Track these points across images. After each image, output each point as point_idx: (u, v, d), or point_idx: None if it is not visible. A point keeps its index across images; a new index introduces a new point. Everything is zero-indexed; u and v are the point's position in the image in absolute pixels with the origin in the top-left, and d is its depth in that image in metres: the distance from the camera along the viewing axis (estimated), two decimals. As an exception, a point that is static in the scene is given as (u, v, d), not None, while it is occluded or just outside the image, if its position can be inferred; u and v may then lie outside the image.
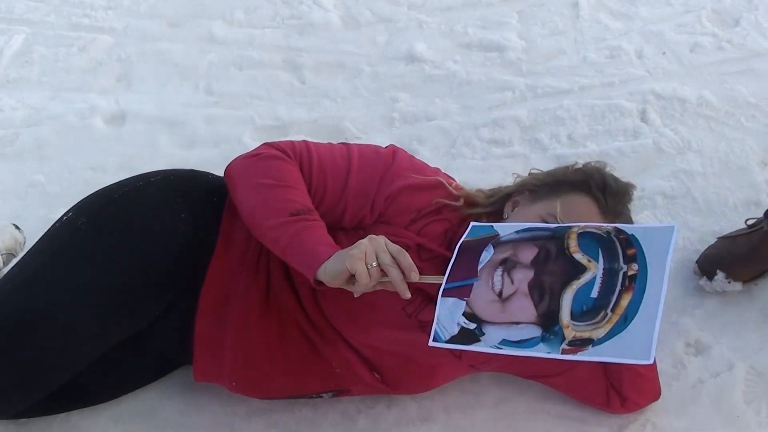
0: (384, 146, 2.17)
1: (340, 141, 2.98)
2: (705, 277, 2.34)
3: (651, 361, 1.53)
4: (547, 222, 1.91)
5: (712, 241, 2.47)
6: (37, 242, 2.06)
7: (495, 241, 1.79)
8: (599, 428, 2.12)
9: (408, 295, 1.74)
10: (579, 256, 1.69)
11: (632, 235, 1.69)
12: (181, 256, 2.02)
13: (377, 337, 2.00)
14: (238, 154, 2.90)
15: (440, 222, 2.04)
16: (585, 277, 1.66)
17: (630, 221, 2.07)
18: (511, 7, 3.70)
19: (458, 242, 1.83)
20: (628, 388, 2.07)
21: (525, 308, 1.68)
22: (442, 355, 1.96)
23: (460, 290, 1.75)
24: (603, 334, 1.58)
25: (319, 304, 2.01)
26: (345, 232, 2.04)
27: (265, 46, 3.52)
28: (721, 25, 3.52)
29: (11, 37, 3.59)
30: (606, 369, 2.08)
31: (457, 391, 2.20)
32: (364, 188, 2.03)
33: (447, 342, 1.71)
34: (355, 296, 1.80)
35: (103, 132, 3.12)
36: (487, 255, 1.77)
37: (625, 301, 1.60)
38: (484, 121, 3.08)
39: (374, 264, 1.73)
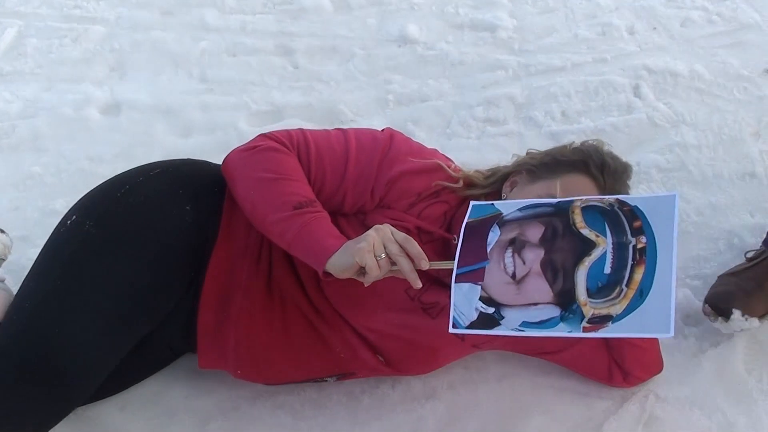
0: (381, 129, 2.16)
1: (336, 124, 3.00)
2: (720, 318, 2.20)
3: (671, 334, 1.55)
4: None
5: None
6: (45, 251, 2.01)
7: (500, 220, 1.78)
8: (602, 401, 2.13)
9: (419, 284, 1.75)
10: (586, 232, 1.70)
11: (635, 206, 1.70)
12: (187, 248, 2.01)
13: (380, 321, 2.01)
14: (235, 145, 2.90)
15: (439, 204, 2.04)
16: (595, 253, 1.67)
17: None
18: (502, -14, 3.72)
19: (462, 224, 1.82)
20: (630, 363, 2.08)
21: (540, 288, 1.69)
22: (444, 336, 1.97)
23: (473, 274, 1.74)
24: (621, 310, 1.60)
25: (322, 289, 2.01)
26: (346, 218, 2.04)
27: (257, 32, 3.53)
28: (710, -1, 3.54)
29: (4, 30, 3.58)
30: (608, 344, 2.09)
31: (461, 367, 2.22)
32: (363, 175, 2.02)
33: (467, 328, 1.71)
34: (365, 285, 1.80)
35: (98, 122, 3.12)
36: (494, 236, 1.77)
37: (638, 275, 1.62)
38: (478, 101, 3.10)
39: (383, 255, 1.74)
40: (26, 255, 2.54)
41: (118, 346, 1.93)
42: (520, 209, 1.79)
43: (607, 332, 1.61)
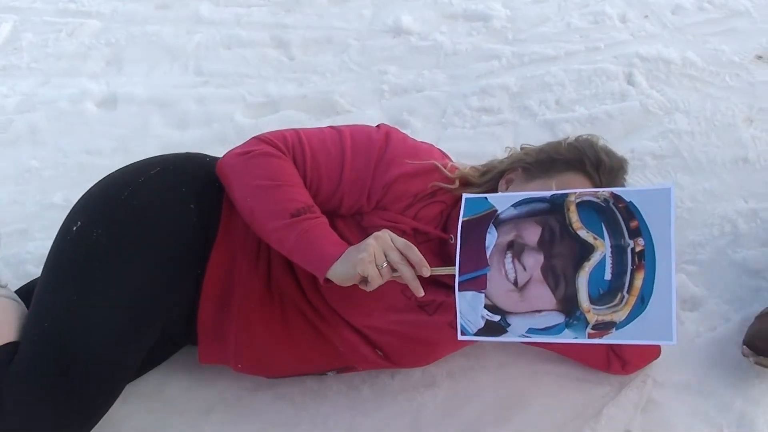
0: (376, 126, 2.13)
1: (331, 116, 3.02)
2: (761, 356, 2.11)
3: (674, 342, 1.57)
4: None
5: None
6: (54, 261, 1.98)
7: (495, 220, 1.77)
8: (601, 387, 2.15)
9: (421, 292, 1.76)
10: (584, 234, 1.70)
11: (630, 202, 1.69)
12: (193, 248, 2.01)
13: (378, 319, 2.02)
14: (231, 137, 2.96)
15: (435, 204, 2.02)
16: (595, 258, 1.67)
17: None
18: (495, -24, 3.73)
19: (458, 223, 1.79)
20: (628, 352, 2.10)
21: (543, 296, 1.69)
22: (442, 330, 2.01)
23: (475, 282, 1.74)
24: (624, 317, 1.63)
25: (319, 289, 2.00)
26: (343, 219, 2.02)
27: (252, 24, 3.54)
28: (701, -14, 3.57)
29: (-1, 24, 3.60)
30: None
31: (460, 356, 2.23)
32: (360, 178, 1.99)
33: (475, 335, 1.72)
34: (367, 291, 1.80)
35: (95, 116, 3.13)
36: (491, 238, 1.75)
37: (638, 281, 1.64)
38: (473, 90, 3.12)
39: (384, 264, 1.75)
40: (25, 248, 2.58)
41: (140, 348, 1.96)
42: (514, 205, 1.77)
43: (612, 339, 1.64)
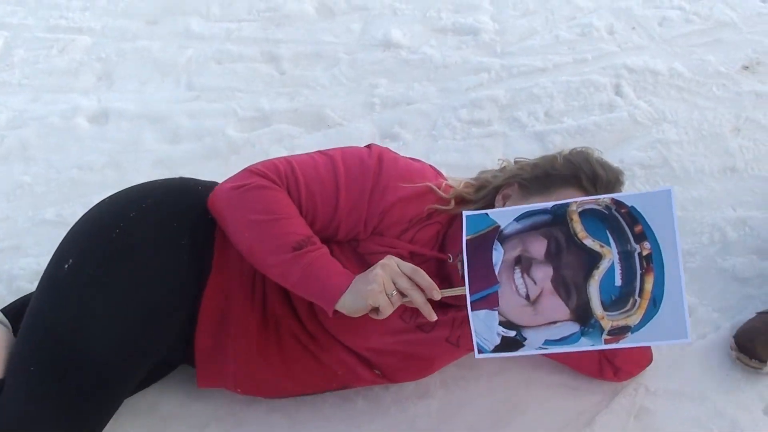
0: (365, 146, 2.10)
1: (323, 129, 3.04)
2: (755, 359, 2.16)
3: (689, 340, 1.62)
4: None
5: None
6: (44, 299, 1.95)
7: (500, 236, 1.76)
8: (593, 395, 2.17)
9: (434, 317, 1.77)
10: (590, 243, 1.71)
11: (632, 207, 1.70)
12: (185, 283, 1.98)
13: (376, 341, 2.02)
14: (223, 151, 2.98)
15: (431, 226, 1.99)
16: (603, 265, 1.69)
17: None
18: (482, -10, 3.76)
19: (461, 240, 1.78)
20: (621, 360, 2.12)
21: (556, 307, 1.71)
22: (440, 346, 2.02)
23: (487, 300, 1.74)
24: (638, 321, 1.66)
25: (316, 315, 2.00)
26: (339, 246, 2.00)
27: (242, 39, 3.56)
28: (687, -2, 3.61)
29: (-10, 41, 3.60)
30: None
31: (453, 366, 2.23)
32: (356, 207, 1.96)
33: (492, 352, 1.73)
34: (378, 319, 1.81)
35: (87, 131, 3.13)
36: (498, 255, 1.75)
37: (649, 285, 1.66)
38: (463, 103, 3.13)
39: (394, 292, 1.75)
40: (18, 264, 2.58)
41: (134, 375, 1.96)
42: (516, 219, 1.77)
43: (628, 342, 1.67)
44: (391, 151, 2.09)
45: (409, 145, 2.95)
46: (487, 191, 2.04)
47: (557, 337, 1.71)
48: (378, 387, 2.21)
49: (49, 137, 3.11)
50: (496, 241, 1.76)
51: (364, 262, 1.93)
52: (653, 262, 1.67)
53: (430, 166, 2.13)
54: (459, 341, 2.04)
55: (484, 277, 1.74)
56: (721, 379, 2.18)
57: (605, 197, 1.74)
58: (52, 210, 2.79)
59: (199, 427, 2.15)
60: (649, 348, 2.16)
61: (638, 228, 1.69)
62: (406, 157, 2.12)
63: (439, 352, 2.09)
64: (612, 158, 2.73)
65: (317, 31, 3.58)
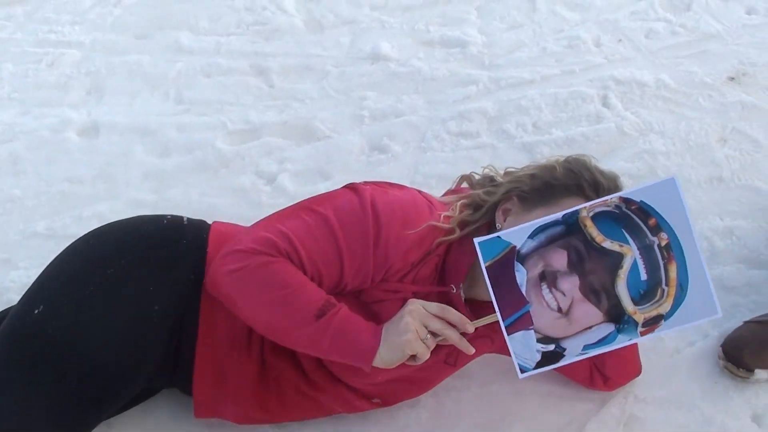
0: (352, 190, 2.00)
1: (312, 141, 3.05)
2: (743, 368, 2.18)
3: (720, 314, 1.72)
4: None
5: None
6: (10, 350, 1.91)
7: (518, 256, 1.76)
8: (583, 403, 2.18)
9: (472, 350, 1.79)
10: (609, 245, 1.74)
11: (642, 201, 1.73)
12: (165, 350, 1.97)
13: (381, 378, 1.97)
14: (213, 163, 2.99)
15: (430, 261, 1.94)
16: (626, 264, 1.73)
17: None
18: (470, 3, 3.79)
19: (482, 269, 1.76)
20: (611, 370, 2.13)
21: (590, 313, 1.76)
22: (438, 367, 2.03)
23: (521, 322, 1.76)
24: (669, 308, 1.74)
25: (322, 364, 1.99)
26: (342, 295, 1.92)
27: (231, 52, 3.56)
28: (673, 11, 3.64)
29: (-21, 56, 3.60)
30: None
31: (444, 375, 2.25)
32: (361, 268, 1.89)
33: (534, 369, 1.78)
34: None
35: (77, 144, 3.13)
36: (521, 275, 1.76)
37: (673, 272, 1.72)
38: (451, 115, 3.15)
39: (428, 336, 1.76)
40: (8, 277, 2.59)
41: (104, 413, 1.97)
42: (530, 236, 1.76)
43: (663, 330, 1.75)
44: (380, 191, 1.99)
45: (398, 157, 2.97)
46: (486, 209, 1.97)
47: (595, 340, 1.77)
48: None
49: (39, 151, 3.10)
50: (516, 262, 1.76)
51: (369, 311, 1.91)
52: (673, 250, 1.72)
53: (419, 193, 2.05)
54: (456, 361, 2.05)
55: (513, 300, 1.76)
56: (710, 386, 2.20)
57: (613, 197, 1.76)
58: (43, 223, 2.79)
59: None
60: (637, 359, 2.17)
61: (652, 221, 1.72)
62: (394, 187, 2.05)
63: (436, 374, 2.09)
64: (600, 169, 2.76)
65: (306, 44, 3.59)
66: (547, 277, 1.75)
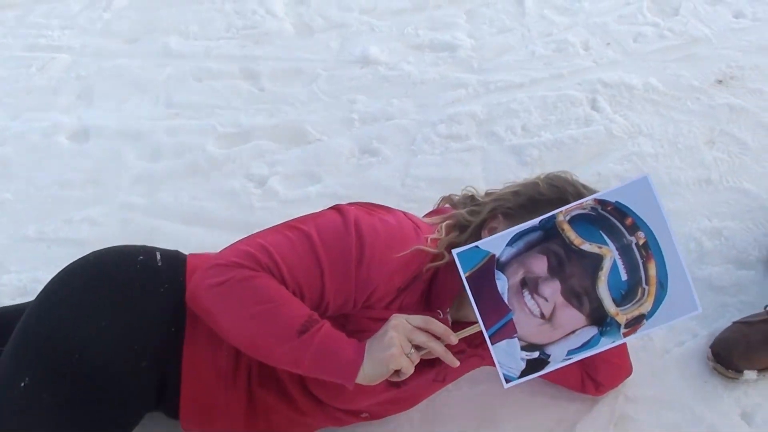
0: (336, 210, 1.96)
1: (302, 145, 3.06)
2: (732, 369, 2.20)
3: (699, 310, 1.73)
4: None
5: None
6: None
7: (498, 264, 1.74)
8: (573, 403, 2.19)
9: (457, 363, 1.76)
10: (588, 247, 1.73)
11: (617, 202, 1.73)
12: (146, 396, 1.94)
13: (369, 402, 1.99)
14: (204, 166, 2.97)
15: (417, 287, 1.91)
16: (606, 265, 1.73)
17: None
18: (459, 7, 3.81)
19: (462, 279, 1.74)
20: (603, 376, 2.14)
21: (573, 317, 1.75)
22: (427, 385, 2.03)
23: (504, 330, 1.74)
24: (650, 307, 1.74)
25: (307, 387, 1.96)
26: (329, 320, 1.85)
27: (221, 56, 3.58)
28: (661, 15, 3.67)
29: (-31, 61, 3.61)
30: (581, 360, 2.08)
31: (434, 376, 2.25)
32: (342, 287, 1.85)
33: (519, 377, 1.77)
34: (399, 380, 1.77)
35: (67, 148, 3.14)
36: (502, 283, 1.74)
37: (652, 271, 1.73)
38: (441, 118, 3.16)
39: (412, 350, 1.72)
40: (0, 281, 2.57)
41: None
42: (509, 244, 1.75)
43: (645, 329, 1.75)
44: (365, 213, 1.95)
45: (388, 160, 2.98)
46: (472, 229, 1.93)
47: (578, 345, 1.76)
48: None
49: (29, 155, 3.12)
50: (495, 270, 1.75)
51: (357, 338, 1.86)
52: (651, 248, 1.72)
53: (404, 215, 2.01)
54: (445, 378, 2.05)
55: (495, 308, 1.75)
56: (700, 385, 2.21)
57: (588, 199, 1.76)
58: (33, 227, 2.80)
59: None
60: (628, 362, 2.17)
61: (629, 220, 1.73)
62: (380, 209, 2.01)
63: (425, 391, 2.09)
64: (589, 171, 2.80)
65: (296, 48, 3.61)
66: (529, 284, 1.74)
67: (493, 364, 1.78)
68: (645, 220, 1.72)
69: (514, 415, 2.18)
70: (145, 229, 2.76)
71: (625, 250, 1.73)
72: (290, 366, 1.80)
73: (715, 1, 3.71)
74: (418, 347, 1.74)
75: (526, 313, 1.74)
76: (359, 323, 1.89)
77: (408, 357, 1.71)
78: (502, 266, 1.75)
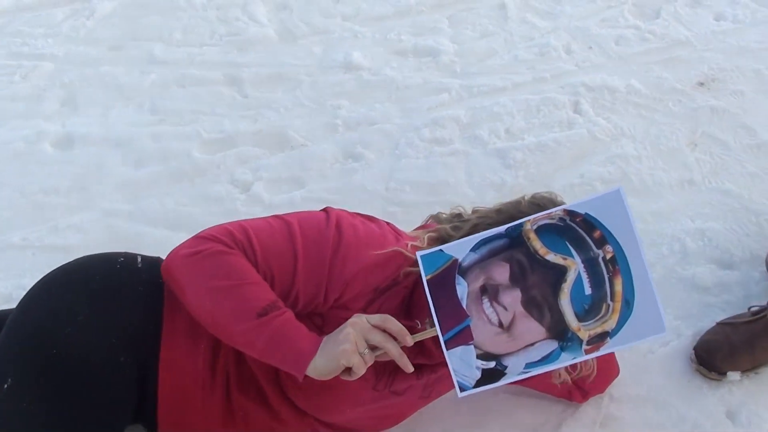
0: (323, 210, 2.00)
1: (286, 150, 3.07)
2: (714, 372, 2.22)
3: (665, 332, 1.63)
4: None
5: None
6: None
7: (459, 269, 1.73)
8: (559, 403, 2.20)
9: (411, 368, 1.72)
10: (552, 258, 1.69)
11: (586, 214, 1.69)
12: (128, 395, 1.90)
13: (351, 414, 1.99)
14: (188, 172, 2.98)
15: (397, 293, 1.90)
16: (570, 277, 1.68)
17: None
18: (441, 13, 3.82)
19: (423, 283, 1.73)
20: (591, 386, 2.14)
21: (532, 329, 1.69)
22: (412, 402, 2.02)
23: (460, 336, 1.70)
24: (614, 324, 1.66)
25: (287, 395, 1.95)
26: (300, 317, 1.85)
27: (205, 63, 3.58)
28: (642, 18, 3.69)
29: (-48, 69, 3.60)
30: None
31: (421, 378, 2.26)
32: (314, 275, 1.86)
33: (475, 387, 1.70)
34: (350, 380, 1.73)
35: (52, 156, 3.14)
36: (462, 289, 1.71)
37: (618, 287, 1.66)
38: (425, 122, 3.17)
39: (366, 350, 1.69)
40: (-16, 286, 2.58)
41: None
42: (473, 249, 1.74)
43: (608, 348, 1.67)
44: (348, 215, 1.99)
45: (373, 164, 2.99)
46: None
47: (537, 358, 1.69)
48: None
49: (13, 162, 3.12)
50: (457, 275, 1.73)
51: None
52: (618, 263, 1.66)
53: (388, 225, 2.05)
54: (430, 393, 2.05)
55: (453, 313, 1.71)
56: (684, 385, 2.23)
57: (557, 209, 1.72)
58: (18, 234, 2.80)
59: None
60: (616, 365, 2.19)
61: (597, 233, 1.68)
62: (363, 217, 2.03)
63: (410, 407, 2.09)
64: (573, 173, 2.83)
65: (279, 54, 3.61)
66: (489, 291, 1.70)
67: None
68: (614, 234, 1.67)
69: (499, 415, 2.19)
70: (130, 235, 2.77)
71: (590, 264, 1.67)
72: (245, 347, 1.80)
73: (696, 3, 3.73)
74: (374, 348, 1.72)
75: (483, 321, 1.70)
76: (336, 325, 1.83)
77: (361, 356, 1.69)
78: (464, 271, 1.72)
